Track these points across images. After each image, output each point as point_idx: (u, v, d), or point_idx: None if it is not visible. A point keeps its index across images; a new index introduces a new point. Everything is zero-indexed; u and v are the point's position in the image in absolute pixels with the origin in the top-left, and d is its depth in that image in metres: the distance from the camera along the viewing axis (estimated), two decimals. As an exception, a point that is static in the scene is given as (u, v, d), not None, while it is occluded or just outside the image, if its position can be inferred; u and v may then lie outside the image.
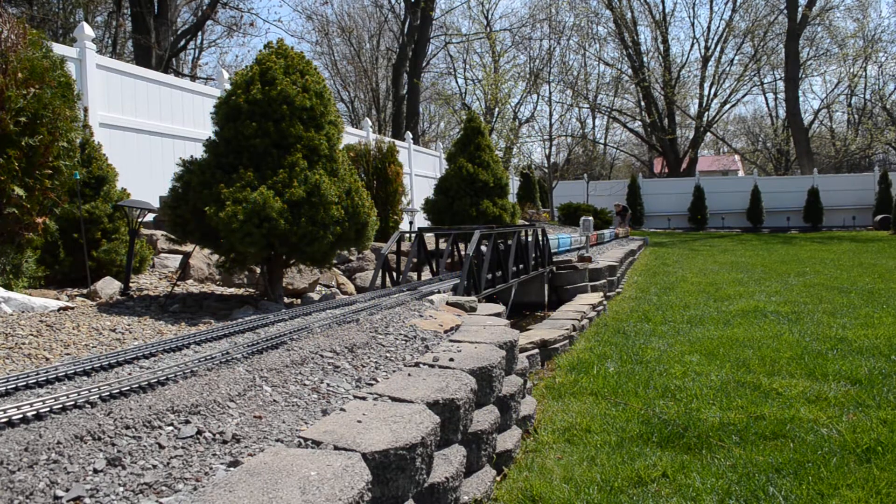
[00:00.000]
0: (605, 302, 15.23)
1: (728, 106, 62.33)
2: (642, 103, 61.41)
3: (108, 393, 4.30)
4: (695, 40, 72.30)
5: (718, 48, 58.88)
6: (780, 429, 6.83)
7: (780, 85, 62.95)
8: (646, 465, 6.06)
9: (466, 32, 56.64)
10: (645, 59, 59.66)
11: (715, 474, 5.83)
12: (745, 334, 11.54)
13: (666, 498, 5.45)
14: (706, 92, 59.31)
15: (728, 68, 59.68)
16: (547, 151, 48.98)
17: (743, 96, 63.90)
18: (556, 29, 52.87)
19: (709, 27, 63.61)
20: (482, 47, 54.15)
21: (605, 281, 17.63)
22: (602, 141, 68.55)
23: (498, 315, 8.56)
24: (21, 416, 3.87)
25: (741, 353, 10.10)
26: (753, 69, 59.82)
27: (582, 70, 57.37)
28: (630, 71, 58.87)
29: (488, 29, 53.08)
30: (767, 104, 77.38)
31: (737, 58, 60.38)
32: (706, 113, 59.42)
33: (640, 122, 63.23)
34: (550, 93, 51.42)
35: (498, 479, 5.90)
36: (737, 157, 76.45)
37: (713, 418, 7.22)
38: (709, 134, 66.31)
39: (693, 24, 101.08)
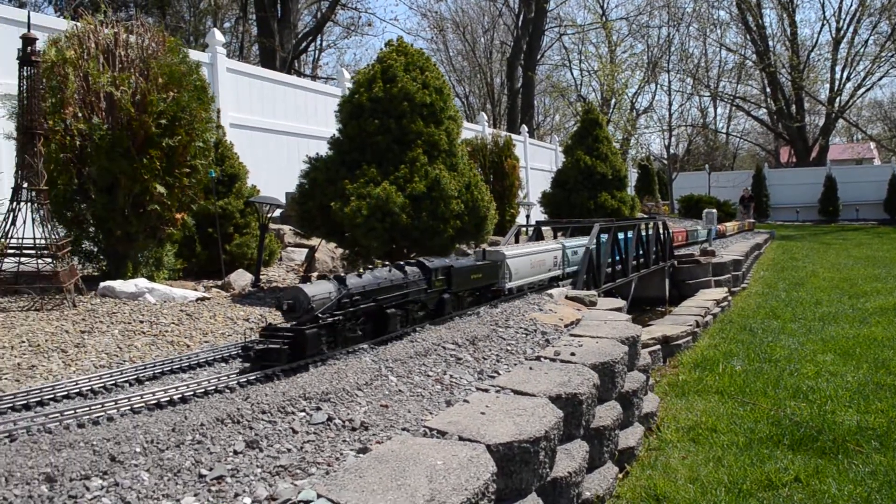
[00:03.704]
0: (729, 297, 14.69)
1: (862, 90, 58.28)
2: (767, 90, 58.60)
3: (245, 379, 4.54)
4: (825, 21, 67.86)
5: (851, 28, 55.21)
6: (926, 434, 6.40)
7: (922, 66, 58.52)
8: (777, 469, 5.83)
9: (581, 23, 55.76)
10: (770, 43, 56.80)
11: (853, 481, 5.53)
12: (884, 333, 10.85)
13: None
14: (838, 76, 55.80)
15: (862, 49, 55.79)
16: (666, 142, 47.60)
17: (879, 79, 59.39)
18: (674, 16, 51.19)
19: (840, 6, 59.43)
20: (598, 37, 53.19)
21: (729, 276, 17.00)
22: (724, 130, 66.01)
23: (618, 310, 8.42)
24: (168, 398, 4.15)
25: (880, 354, 9.52)
26: (891, 49, 55.81)
27: (703, 57, 55.37)
28: (754, 56, 56.26)
29: (604, 18, 52.05)
30: (907, 87, 71.94)
31: (872, 38, 56.34)
32: (838, 98, 55.90)
33: (765, 110, 60.37)
34: (669, 82, 49.88)
35: (620, 476, 5.82)
36: (872, 144, 71.68)
37: (850, 421, 6.84)
38: (841, 120, 62.42)
39: (823, 4, 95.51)
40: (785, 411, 7.26)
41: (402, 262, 6.42)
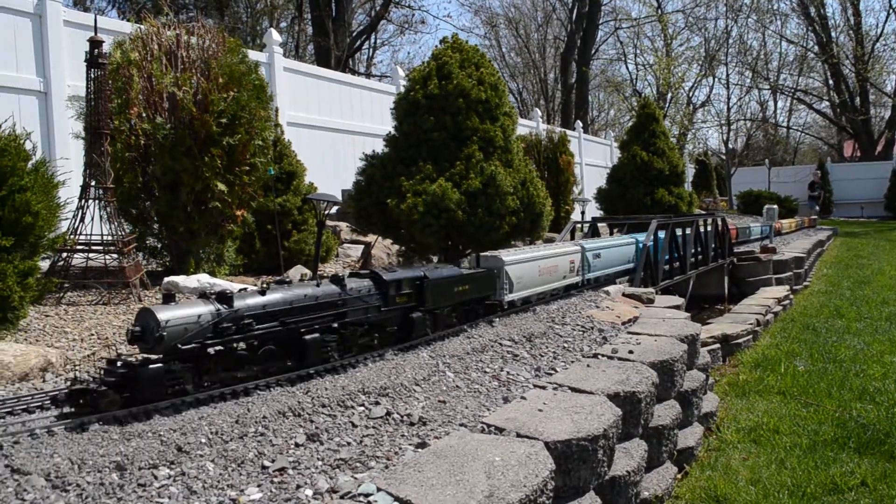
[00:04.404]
0: (791, 296, 14.33)
1: (931, 81, 56.23)
2: (830, 82, 56.85)
3: (305, 373, 4.61)
4: (891, 10, 65.36)
5: (920, 18, 53.22)
6: None
7: None
8: (842, 472, 5.67)
9: (636, 16, 54.92)
10: (833, 33, 55.02)
11: (924, 486, 5.35)
12: (956, 334, 10.47)
13: (867, 507, 5.08)
14: (905, 66, 53.87)
15: (931, 39, 53.79)
16: (724, 137, 46.63)
17: (948, 70, 57.29)
18: (732, 7, 50.10)
19: (908, -5, 57.46)
20: (653, 31, 52.34)
21: (790, 273, 16.57)
22: (784, 124, 64.35)
23: (677, 307, 8.30)
24: (231, 391, 4.24)
25: (952, 355, 9.18)
26: (963, 39, 53.59)
27: (762, 49, 54.04)
28: (816, 47, 54.67)
29: (659, 11, 51.11)
30: (980, 77, 68.82)
31: (941, 27, 54.24)
32: (905, 89, 53.99)
33: (827, 103, 58.60)
34: (728, 75, 48.78)
35: (678, 476, 5.74)
36: (943, 137, 68.99)
37: (920, 425, 6.62)
38: (909, 112, 60.28)
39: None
40: (850, 413, 7.06)
41: (341, 275, 5.19)
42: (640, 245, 10.31)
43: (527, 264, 7.26)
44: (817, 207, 36.13)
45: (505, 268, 6.82)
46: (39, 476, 3.13)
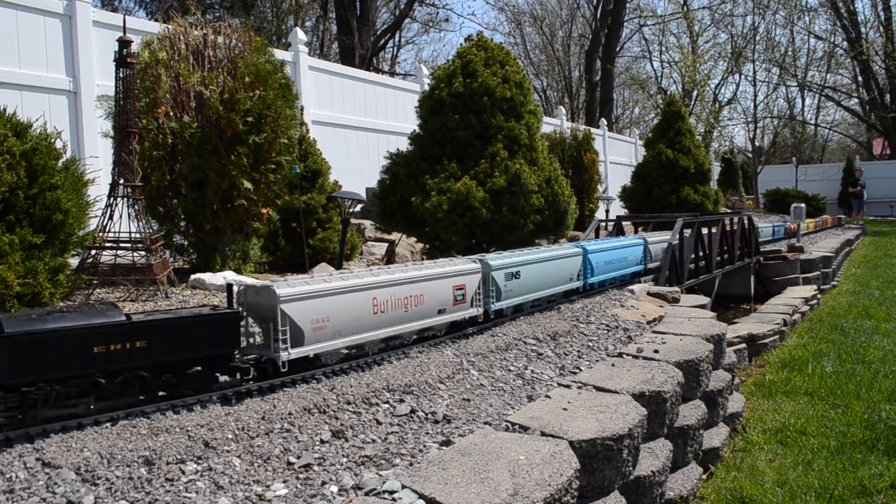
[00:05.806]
0: (818, 295, 14.15)
1: (964, 78, 55.13)
2: (859, 78, 55.95)
3: (330, 370, 4.64)
4: (923, 5, 64.27)
5: (953, 12, 52.21)
6: None
7: None
8: (871, 475, 5.60)
9: (662, 13, 54.51)
10: (862, 29, 54.15)
11: (955, 489, 5.27)
12: None
13: (897, 510, 5.01)
14: (937, 63, 52.91)
15: (964, 35, 52.75)
16: (751, 134, 46.15)
17: (982, 66, 56.13)
18: (760, 3, 49.54)
19: (941, -11, 56.32)
20: (679, 28, 51.92)
21: (818, 273, 16.38)
22: (812, 121, 63.53)
23: (702, 307, 8.24)
24: (257, 387, 4.28)
25: (985, 356, 9.02)
26: None
27: (790, 45, 53.40)
28: (845, 44, 53.85)
29: (685, 8, 50.75)
30: None
31: (975, 22, 53.17)
32: (937, 86, 53.00)
33: (856, 100, 57.73)
34: (755, 72, 48.30)
35: (704, 477, 5.70)
36: (976, 135, 67.57)
37: (952, 427, 6.52)
38: (941, 110, 59.17)
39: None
40: (880, 415, 6.97)
41: None
42: (588, 255, 7.66)
43: (340, 297, 4.65)
44: (862, 206, 35.90)
45: (281, 307, 4.27)
46: (70, 470, 3.18)
